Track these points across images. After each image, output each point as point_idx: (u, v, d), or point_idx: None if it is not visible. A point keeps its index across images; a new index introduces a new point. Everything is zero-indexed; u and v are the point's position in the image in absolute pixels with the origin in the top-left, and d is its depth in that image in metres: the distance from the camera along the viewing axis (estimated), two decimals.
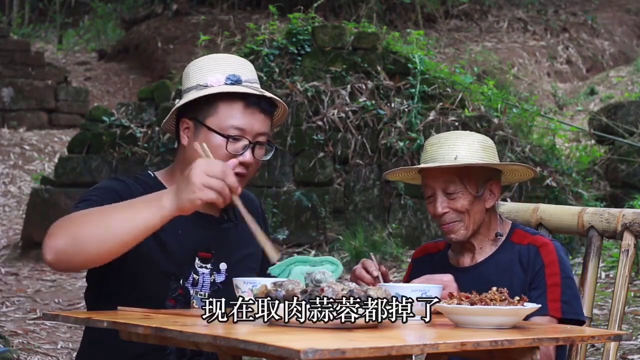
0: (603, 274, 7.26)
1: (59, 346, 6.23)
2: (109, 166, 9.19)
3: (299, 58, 9.04)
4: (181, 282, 2.93)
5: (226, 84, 2.91)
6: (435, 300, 2.53)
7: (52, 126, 14.13)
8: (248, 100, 2.91)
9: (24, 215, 9.94)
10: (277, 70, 8.98)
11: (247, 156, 2.92)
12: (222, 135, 2.89)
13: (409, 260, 3.48)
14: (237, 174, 2.83)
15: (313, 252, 8.65)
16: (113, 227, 2.59)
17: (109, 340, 2.90)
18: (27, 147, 13.00)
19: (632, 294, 6.77)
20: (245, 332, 2.46)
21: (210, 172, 2.55)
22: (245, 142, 2.92)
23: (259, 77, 9.01)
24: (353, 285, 2.52)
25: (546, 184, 8.48)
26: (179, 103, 2.96)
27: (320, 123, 8.85)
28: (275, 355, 2.16)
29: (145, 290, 2.89)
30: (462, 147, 3.12)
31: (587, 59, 15.02)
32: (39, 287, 7.97)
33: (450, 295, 2.74)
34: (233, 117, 2.90)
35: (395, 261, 8.20)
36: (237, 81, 2.92)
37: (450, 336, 2.49)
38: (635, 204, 7.78)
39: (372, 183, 8.83)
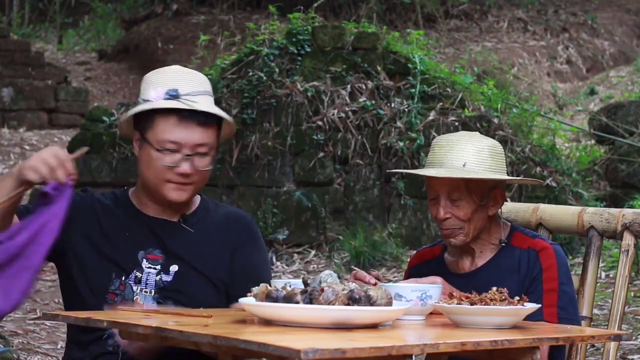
0: (603, 274, 7.26)
1: (59, 346, 6.23)
2: (109, 166, 9.19)
3: (299, 58, 9.04)
4: (123, 278, 3.06)
5: (165, 98, 3.03)
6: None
7: (52, 126, 14.12)
8: (182, 114, 3.02)
9: None
10: (277, 70, 8.98)
11: (184, 168, 3.03)
12: (157, 149, 3.03)
13: (409, 260, 3.46)
14: (179, 184, 3.04)
15: (313, 252, 8.65)
16: None
17: (70, 334, 3.17)
18: (27, 147, 12.99)
19: (632, 294, 6.78)
20: (245, 332, 2.46)
21: (45, 160, 2.80)
22: (180, 155, 3.03)
23: (259, 77, 9.07)
24: (353, 285, 2.52)
25: (546, 184, 8.48)
26: (124, 116, 3.11)
27: (320, 123, 8.85)
28: (276, 355, 2.17)
29: (92, 283, 3.07)
30: (471, 154, 3.07)
31: (587, 59, 15.02)
32: (39, 287, 7.96)
33: (450, 295, 2.74)
34: (168, 131, 3.02)
35: (395, 261, 8.20)
36: (175, 96, 3.03)
37: (450, 336, 2.50)
38: (635, 204, 7.78)
39: (372, 183, 8.83)
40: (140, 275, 3.07)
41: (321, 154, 8.84)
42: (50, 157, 2.81)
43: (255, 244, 3.23)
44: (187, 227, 3.16)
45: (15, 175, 2.85)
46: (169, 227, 3.14)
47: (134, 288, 3.06)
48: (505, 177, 3.15)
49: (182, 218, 3.17)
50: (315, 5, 12.23)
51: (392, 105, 8.82)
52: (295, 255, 8.66)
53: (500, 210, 3.20)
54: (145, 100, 3.05)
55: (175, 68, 3.16)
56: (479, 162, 3.08)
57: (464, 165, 3.05)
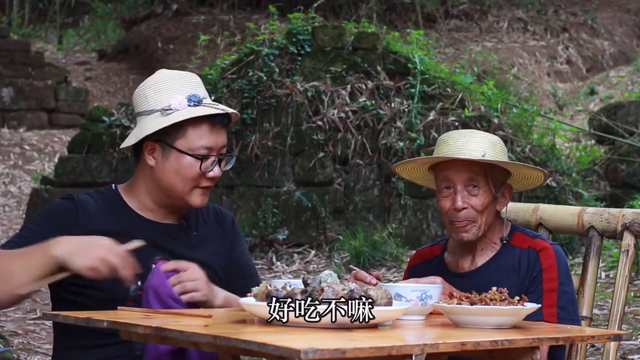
0: (603, 274, 7.26)
1: None
2: (109, 166, 9.19)
3: (299, 58, 9.04)
4: (139, 283, 3.02)
5: (189, 105, 3.06)
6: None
7: (52, 126, 14.13)
8: (213, 120, 3.07)
9: (24, 215, 9.94)
10: (277, 70, 8.98)
11: (216, 171, 3.10)
12: (195, 156, 3.06)
13: (409, 260, 3.46)
14: (205, 188, 3.09)
15: (313, 252, 8.65)
16: (11, 273, 2.88)
17: (70, 337, 3.07)
18: (27, 147, 13.00)
19: (632, 294, 6.78)
20: (245, 332, 2.46)
21: (105, 260, 2.85)
22: (212, 158, 3.09)
23: (259, 77, 9.07)
24: (353, 285, 2.52)
25: (546, 184, 8.48)
26: (147, 128, 3.06)
27: (320, 123, 8.85)
28: (276, 355, 2.17)
29: (106, 293, 2.99)
30: (488, 146, 3.11)
31: (587, 59, 15.02)
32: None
33: (450, 295, 2.74)
34: (201, 137, 3.07)
35: (395, 261, 8.20)
36: (199, 102, 3.07)
37: (450, 336, 2.50)
38: (635, 204, 7.78)
39: (372, 183, 8.83)
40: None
41: (321, 154, 8.84)
42: (109, 256, 2.85)
43: (242, 240, 3.33)
44: (190, 229, 3.17)
45: (53, 256, 2.85)
46: (172, 231, 3.13)
47: None
48: (524, 164, 3.20)
49: (184, 220, 3.18)
50: (315, 5, 12.23)
51: (392, 105, 8.82)
52: (295, 255, 8.66)
53: (506, 208, 3.21)
54: (166, 110, 3.05)
55: (177, 73, 3.17)
56: (495, 153, 3.12)
57: (483, 156, 3.08)
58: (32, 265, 2.87)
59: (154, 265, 3.00)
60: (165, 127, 3.03)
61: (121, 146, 3.17)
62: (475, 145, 3.10)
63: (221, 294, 3.04)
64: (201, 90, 3.11)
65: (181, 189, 3.07)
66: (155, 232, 3.09)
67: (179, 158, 3.05)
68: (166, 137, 3.05)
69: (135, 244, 2.93)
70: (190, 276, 2.94)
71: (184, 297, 2.94)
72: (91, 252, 2.85)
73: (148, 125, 3.06)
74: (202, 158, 3.06)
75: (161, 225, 3.13)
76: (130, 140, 3.10)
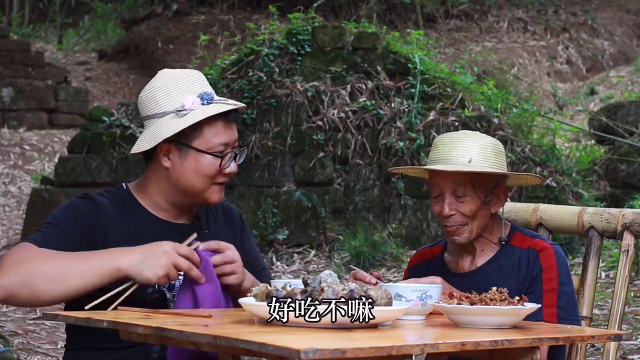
0: (603, 274, 7.26)
1: (59, 346, 6.23)
2: (109, 166, 9.19)
3: (299, 58, 9.04)
4: (157, 286, 3.00)
5: (202, 104, 3.05)
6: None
7: (52, 126, 14.13)
8: (227, 117, 3.07)
9: (24, 215, 9.93)
10: (277, 70, 8.98)
11: (233, 166, 3.12)
12: (214, 154, 3.06)
13: (409, 260, 3.46)
14: (221, 184, 3.11)
15: (313, 252, 8.65)
16: (66, 275, 2.86)
17: (84, 339, 3.06)
18: (27, 147, 13.00)
19: (632, 294, 6.78)
20: (245, 332, 2.46)
21: (182, 265, 2.88)
22: (229, 154, 3.10)
23: (259, 77, 9.07)
24: (353, 285, 2.52)
25: (546, 184, 8.48)
26: (163, 130, 3.03)
27: (320, 123, 8.85)
28: (275, 355, 2.17)
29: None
30: (476, 151, 3.08)
31: (587, 59, 15.02)
32: None
33: (450, 295, 2.74)
34: (217, 135, 3.06)
35: (395, 261, 8.20)
36: (211, 99, 3.07)
37: (450, 336, 2.50)
38: (635, 204, 7.78)
39: (372, 183, 8.83)
40: (172, 282, 3.01)
41: (321, 154, 8.84)
42: (178, 260, 2.87)
43: (250, 235, 3.34)
44: (202, 228, 3.16)
45: (118, 268, 2.85)
46: (186, 230, 3.11)
47: (168, 295, 3.03)
48: (511, 172, 3.18)
49: (196, 220, 3.17)
50: (315, 5, 12.23)
51: (392, 105, 8.82)
52: (295, 255, 8.66)
53: (502, 209, 3.21)
54: (180, 111, 3.03)
55: (183, 71, 3.15)
56: (483, 159, 3.09)
57: (469, 162, 3.07)
58: (92, 272, 2.86)
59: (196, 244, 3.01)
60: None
61: (132, 150, 3.12)
62: (462, 151, 3.08)
63: (250, 276, 3.06)
64: (208, 87, 3.10)
65: (200, 187, 3.06)
66: (170, 233, 3.07)
67: (198, 157, 3.05)
68: (182, 137, 3.03)
69: (191, 239, 2.96)
70: (228, 258, 2.97)
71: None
72: (158, 260, 2.86)
73: (164, 128, 3.02)
74: (221, 155, 3.06)
75: (176, 226, 3.11)
76: (144, 145, 3.06)
